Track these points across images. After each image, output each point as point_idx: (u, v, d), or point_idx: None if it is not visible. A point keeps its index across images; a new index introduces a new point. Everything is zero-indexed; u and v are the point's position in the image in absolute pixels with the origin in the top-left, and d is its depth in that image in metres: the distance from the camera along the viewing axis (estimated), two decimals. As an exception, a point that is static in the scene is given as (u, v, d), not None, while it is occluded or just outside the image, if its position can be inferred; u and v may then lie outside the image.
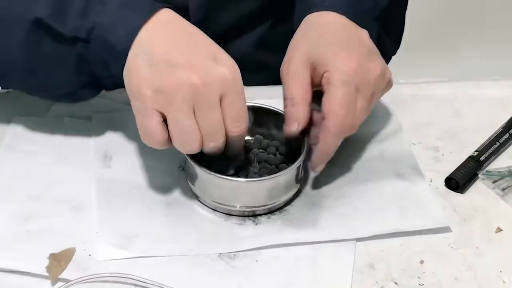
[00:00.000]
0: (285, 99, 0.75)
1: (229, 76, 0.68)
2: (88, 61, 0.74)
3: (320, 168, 0.76)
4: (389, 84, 0.79)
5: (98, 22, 0.71)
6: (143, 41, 0.69)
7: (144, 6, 0.71)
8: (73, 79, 0.77)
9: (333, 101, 0.72)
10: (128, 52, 0.70)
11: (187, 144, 0.69)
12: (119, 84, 0.72)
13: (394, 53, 0.96)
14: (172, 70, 0.67)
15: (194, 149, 0.69)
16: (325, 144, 0.74)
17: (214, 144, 0.69)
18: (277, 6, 0.77)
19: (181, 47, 0.69)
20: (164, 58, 0.68)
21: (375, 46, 0.78)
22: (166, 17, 0.71)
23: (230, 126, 0.69)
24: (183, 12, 0.86)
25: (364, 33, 0.78)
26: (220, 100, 0.68)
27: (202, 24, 0.88)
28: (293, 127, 0.74)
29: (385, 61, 0.79)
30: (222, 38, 0.94)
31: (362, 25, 0.78)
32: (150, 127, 0.69)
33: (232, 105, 0.68)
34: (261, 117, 0.81)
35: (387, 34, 0.85)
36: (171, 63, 0.68)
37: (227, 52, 0.77)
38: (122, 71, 0.70)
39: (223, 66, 0.68)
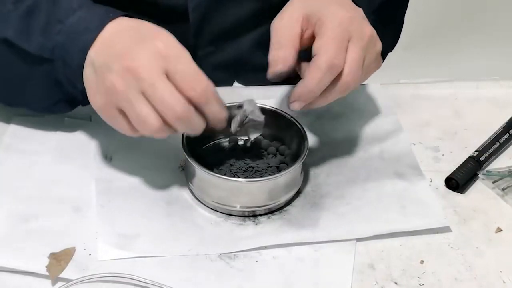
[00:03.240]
0: (271, 45, 0.73)
1: (162, 49, 0.67)
2: (57, 79, 0.75)
3: (297, 105, 0.72)
4: (377, 59, 0.77)
5: (57, 41, 0.73)
6: (91, 55, 0.70)
7: (97, 19, 0.72)
8: (46, 96, 0.78)
9: (324, 37, 0.71)
10: (82, 69, 0.71)
11: (149, 128, 0.68)
12: None
13: (390, 50, 0.96)
14: (108, 69, 0.68)
15: (156, 131, 0.68)
16: (311, 78, 0.70)
17: (180, 121, 0.67)
18: (276, 7, 0.77)
19: (118, 47, 0.69)
20: (103, 62, 0.69)
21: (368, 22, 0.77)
22: (116, 27, 0.72)
23: (188, 93, 0.67)
24: (182, 12, 0.87)
25: (359, 9, 0.77)
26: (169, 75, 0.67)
27: (201, 24, 0.88)
28: (277, 67, 0.72)
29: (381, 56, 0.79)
30: (221, 39, 0.94)
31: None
32: (118, 126, 0.71)
33: (178, 74, 0.67)
34: None
35: (383, 29, 0.85)
36: (106, 64, 0.68)
37: (227, 50, 0.77)
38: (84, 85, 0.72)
39: (154, 43, 0.68)
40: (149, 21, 0.73)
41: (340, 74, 0.71)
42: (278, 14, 0.75)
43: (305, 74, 0.71)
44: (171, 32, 0.70)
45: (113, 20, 0.72)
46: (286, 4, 0.77)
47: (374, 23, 0.78)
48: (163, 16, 0.87)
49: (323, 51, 0.70)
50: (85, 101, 0.77)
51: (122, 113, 0.69)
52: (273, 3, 0.82)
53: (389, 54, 0.96)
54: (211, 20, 0.90)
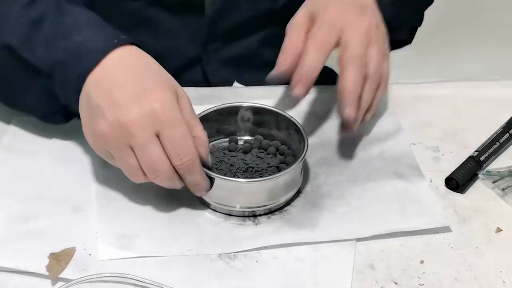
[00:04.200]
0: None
1: (158, 111, 0.67)
2: (53, 93, 0.75)
3: (299, 89, 0.74)
4: (383, 43, 0.79)
5: (58, 57, 0.73)
6: (88, 87, 0.70)
7: (101, 44, 0.72)
8: (43, 105, 0.78)
9: (310, 36, 0.75)
10: (79, 94, 0.71)
11: (134, 178, 0.71)
12: None
13: (419, 24, 0.97)
14: (102, 115, 0.68)
15: (141, 181, 0.71)
16: (307, 60, 0.74)
17: (160, 179, 0.70)
18: (289, 7, 0.78)
19: (116, 90, 0.69)
20: (96, 103, 0.69)
21: (375, 7, 0.79)
22: (118, 60, 0.71)
23: (173, 160, 0.69)
24: (198, 5, 0.87)
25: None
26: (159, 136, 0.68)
27: (215, 19, 0.89)
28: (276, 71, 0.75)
29: (409, 33, 0.85)
30: (232, 35, 0.95)
31: None
32: (106, 159, 0.72)
33: (168, 140, 0.68)
34: (261, 117, 0.81)
35: (406, 2, 0.85)
36: (101, 108, 0.68)
37: (235, 47, 0.77)
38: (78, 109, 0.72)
39: (151, 103, 0.68)
40: (166, 13, 0.72)
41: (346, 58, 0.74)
42: (292, 18, 0.78)
43: (295, 76, 0.74)
44: (184, 25, 0.71)
45: (118, 48, 0.71)
46: (301, 6, 0.79)
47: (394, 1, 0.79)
48: (179, 8, 0.87)
49: (312, 36, 0.75)
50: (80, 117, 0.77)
51: (110, 154, 0.71)
52: (283, 4, 0.83)
53: (389, 54, 0.96)
54: (225, 16, 0.91)
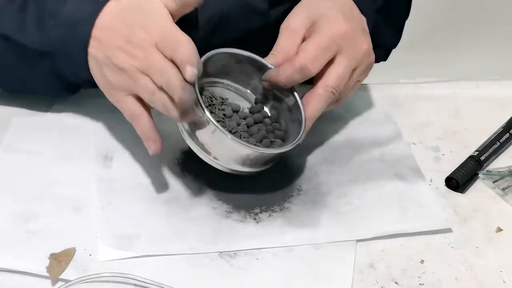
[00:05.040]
0: (273, 47, 0.77)
1: (162, 35, 0.70)
2: (58, 71, 0.78)
3: (266, 84, 0.76)
4: (367, 70, 0.80)
5: (54, 36, 0.76)
6: (91, 48, 0.74)
7: (89, 9, 0.74)
8: (47, 86, 0.81)
9: (310, 42, 0.75)
10: (86, 59, 0.74)
11: (154, 100, 0.71)
12: (95, 84, 0.76)
13: (394, 46, 0.96)
14: (110, 62, 0.72)
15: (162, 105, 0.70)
16: (283, 71, 0.74)
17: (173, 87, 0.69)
18: (280, 23, 0.78)
19: (119, 39, 0.72)
20: (105, 56, 0.73)
21: (369, 32, 0.80)
22: (109, 12, 0.74)
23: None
24: (192, 22, 0.88)
25: (363, 17, 0.80)
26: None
27: (210, 35, 0.89)
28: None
29: (384, 52, 0.83)
30: None
31: (362, 9, 0.81)
32: (127, 107, 0.73)
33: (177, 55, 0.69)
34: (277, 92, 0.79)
35: (386, 24, 0.86)
36: (109, 57, 0.72)
37: None
38: (89, 75, 0.76)
39: (153, 34, 0.70)
40: None
41: (321, 84, 0.75)
42: (287, 18, 0.78)
43: (282, 65, 0.75)
44: None
45: (105, 5, 0.74)
46: (296, 6, 0.79)
47: (376, 21, 0.79)
48: None
49: (303, 53, 0.75)
50: (88, 86, 0.80)
51: (131, 95, 0.73)
52: (277, 18, 0.83)
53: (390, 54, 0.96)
54: (219, 31, 0.90)
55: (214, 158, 0.73)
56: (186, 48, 0.69)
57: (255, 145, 0.73)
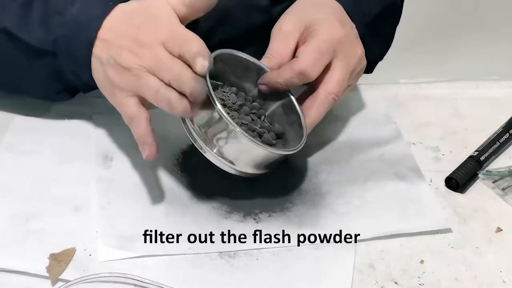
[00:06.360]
0: (266, 52, 0.77)
1: (170, 34, 0.70)
2: (58, 71, 0.77)
3: (263, 88, 0.76)
4: (359, 76, 0.81)
5: (58, 34, 0.75)
6: (96, 49, 0.73)
7: (97, 9, 0.74)
8: (47, 86, 0.80)
9: (308, 46, 0.75)
10: (89, 60, 0.74)
11: (162, 99, 0.70)
12: (94, 87, 0.76)
13: (380, 59, 0.96)
14: (114, 62, 0.72)
15: (177, 101, 0.69)
16: (282, 75, 0.74)
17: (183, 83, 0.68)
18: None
19: (125, 39, 0.72)
20: (109, 56, 0.72)
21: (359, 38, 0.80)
22: (117, 15, 0.74)
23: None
24: (193, 21, 0.87)
25: (353, 24, 0.80)
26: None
27: (209, 33, 0.88)
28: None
29: (370, 67, 0.84)
30: (228, 47, 0.94)
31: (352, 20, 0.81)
32: (129, 111, 0.72)
33: (180, 49, 0.69)
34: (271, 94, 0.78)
35: (374, 41, 0.86)
36: (113, 58, 0.72)
37: None
38: (91, 77, 0.75)
39: (160, 34, 0.70)
40: None
41: (322, 90, 0.75)
42: (280, 18, 0.78)
43: (282, 68, 0.75)
44: None
45: (114, 8, 0.74)
46: (287, 10, 0.79)
47: (364, 35, 0.79)
48: None
49: (302, 57, 0.74)
50: (86, 90, 0.80)
51: (134, 97, 0.72)
52: (278, 16, 0.83)
53: (389, 54, 0.96)
54: (219, 29, 0.90)
55: (219, 152, 0.71)
56: (195, 42, 0.69)
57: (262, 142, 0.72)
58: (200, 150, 0.72)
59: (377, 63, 0.95)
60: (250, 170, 0.73)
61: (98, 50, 0.73)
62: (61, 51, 0.76)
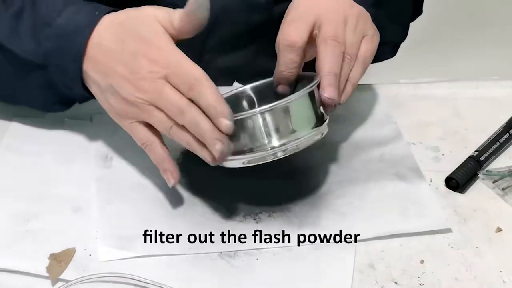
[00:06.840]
0: (282, 41, 0.74)
1: (172, 68, 0.68)
2: (52, 83, 0.76)
3: (280, 88, 0.75)
4: (362, 20, 0.77)
5: (47, 47, 0.73)
6: (87, 65, 0.72)
7: (84, 19, 0.72)
8: (41, 98, 0.79)
9: (324, 46, 0.73)
10: (81, 75, 0.72)
11: (166, 128, 0.69)
12: (90, 98, 0.75)
13: (402, 40, 0.96)
14: (112, 91, 0.70)
15: (176, 133, 0.69)
16: (278, 65, 0.74)
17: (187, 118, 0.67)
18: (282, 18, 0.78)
19: (120, 65, 0.69)
20: (107, 84, 0.70)
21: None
22: (104, 30, 0.71)
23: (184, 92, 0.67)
24: None
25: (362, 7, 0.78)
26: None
27: (210, 31, 0.88)
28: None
29: (392, 48, 0.85)
30: (228, 46, 0.94)
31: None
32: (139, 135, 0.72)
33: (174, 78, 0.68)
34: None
35: (389, 18, 0.85)
36: (109, 84, 0.70)
37: (232, 56, 0.76)
38: (84, 91, 0.74)
39: (160, 66, 0.68)
40: None
41: (319, 40, 0.73)
42: (284, 31, 0.75)
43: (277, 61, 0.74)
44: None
45: (101, 19, 0.72)
46: (291, 7, 0.77)
47: (374, 16, 0.78)
48: None
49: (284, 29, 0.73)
50: (82, 101, 0.79)
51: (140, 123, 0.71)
52: (279, 14, 0.83)
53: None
54: (220, 28, 0.90)
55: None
56: (208, 88, 0.66)
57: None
58: (268, 160, 0.70)
59: (399, 45, 0.94)
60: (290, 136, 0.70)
61: (90, 69, 0.71)
62: (51, 65, 0.74)
